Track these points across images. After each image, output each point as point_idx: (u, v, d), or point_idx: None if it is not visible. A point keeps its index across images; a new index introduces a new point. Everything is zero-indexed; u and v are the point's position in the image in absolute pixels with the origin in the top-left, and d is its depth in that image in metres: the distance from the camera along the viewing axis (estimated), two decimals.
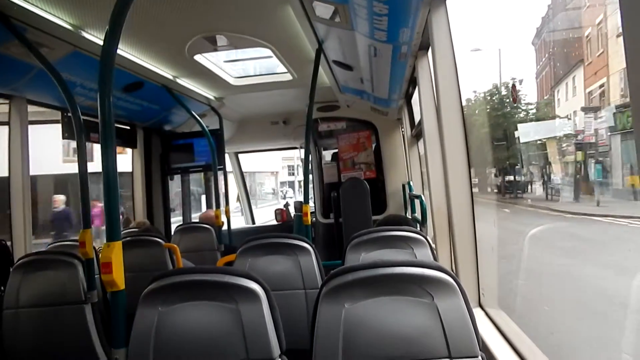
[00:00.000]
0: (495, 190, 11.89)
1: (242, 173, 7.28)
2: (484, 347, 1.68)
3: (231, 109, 5.29)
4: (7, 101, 3.36)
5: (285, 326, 1.59)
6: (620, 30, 0.89)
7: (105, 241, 1.85)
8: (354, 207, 5.08)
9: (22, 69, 3.00)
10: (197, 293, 1.52)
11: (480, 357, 1.34)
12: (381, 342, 1.36)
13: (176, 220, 6.05)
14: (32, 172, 3.46)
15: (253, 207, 7.53)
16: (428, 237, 2.50)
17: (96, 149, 3.11)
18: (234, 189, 7.36)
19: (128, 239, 3.23)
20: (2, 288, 2.72)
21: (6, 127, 3.40)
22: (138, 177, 5.19)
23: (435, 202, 2.94)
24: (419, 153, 5.02)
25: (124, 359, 1.77)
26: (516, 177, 11.61)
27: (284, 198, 25.35)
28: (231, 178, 6.11)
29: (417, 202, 4.42)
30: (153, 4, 2.64)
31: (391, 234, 2.39)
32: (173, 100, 4.34)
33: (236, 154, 7.09)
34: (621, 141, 6.88)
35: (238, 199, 7.98)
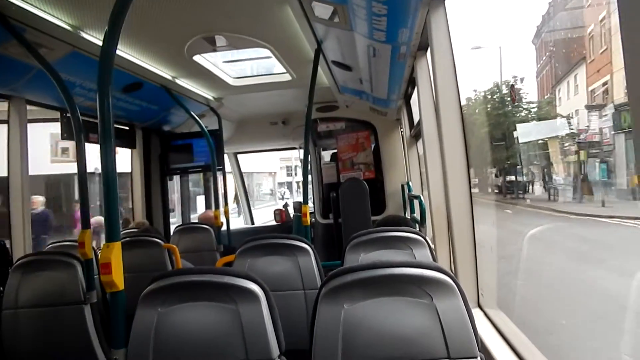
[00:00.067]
0: (496, 191, 11.81)
1: (241, 173, 7.28)
2: (483, 348, 1.68)
3: (230, 110, 5.29)
4: (6, 101, 3.36)
5: (284, 327, 1.59)
6: None
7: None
8: (353, 208, 5.08)
9: (21, 69, 3.00)
10: (197, 294, 1.52)
11: (479, 358, 1.35)
12: (380, 342, 1.36)
13: (174, 221, 6.04)
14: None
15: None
16: (427, 238, 2.50)
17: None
18: (231, 190, 7.35)
19: (127, 239, 3.23)
20: (1, 288, 2.72)
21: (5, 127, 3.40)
22: (137, 177, 5.19)
23: (435, 203, 2.94)
24: (418, 153, 5.02)
25: None
26: (517, 177, 11.51)
27: (282, 199, 25.30)
28: (229, 178, 6.09)
29: (416, 202, 4.42)
30: (152, 5, 2.63)
31: (390, 235, 2.39)
32: (172, 100, 4.34)
33: (235, 154, 7.09)
34: (625, 140, 6.82)
35: (234, 200, 7.97)
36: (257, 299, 1.51)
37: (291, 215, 6.45)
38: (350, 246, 2.41)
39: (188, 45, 3.31)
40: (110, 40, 1.83)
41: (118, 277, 1.79)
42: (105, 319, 2.64)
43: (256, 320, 1.49)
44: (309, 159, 4.15)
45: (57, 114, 3.76)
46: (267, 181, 29.52)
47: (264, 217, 8.19)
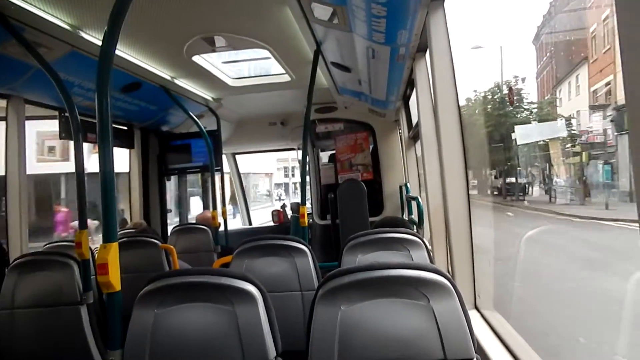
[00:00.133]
0: (496, 193, 11.72)
1: (239, 174, 7.28)
2: (480, 349, 1.68)
3: (229, 110, 5.28)
4: (5, 100, 3.35)
5: (281, 328, 1.59)
6: None
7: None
8: (351, 209, 5.08)
9: (20, 69, 2.99)
10: (193, 295, 1.52)
11: (475, 359, 1.35)
12: (377, 344, 1.36)
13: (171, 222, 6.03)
14: None
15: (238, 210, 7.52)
16: (425, 239, 2.51)
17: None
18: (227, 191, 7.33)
19: (124, 239, 3.22)
20: None
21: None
22: (135, 177, 5.18)
23: (432, 204, 2.95)
24: (416, 155, 5.03)
25: None
26: (518, 179, 11.41)
27: (279, 200, 25.25)
28: (226, 179, 6.09)
29: (414, 203, 4.42)
30: (152, 5, 2.63)
31: (388, 236, 2.39)
32: (171, 100, 4.33)
33: (233, 155, 7.08)
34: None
35: (231, 201, 7.95)
36: (254, 300, 1.51)
37: (289, 216, 6.45)
38: (347, 247, 2.41)
39: (187, 46, 3.31)
40: (110, 40, 1.83)
41: (115, 278, 1.79)
42: (102, 319, 2.64)
43: (253, 321, 1.49)
44: (307, 160, 4.15)
45: (46, 111, 3.74)
46: (264, 182, 29.47)
47: (261, 218, 8.14)
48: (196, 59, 3.64)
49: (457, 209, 2.36)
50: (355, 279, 1.39)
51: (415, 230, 3.24)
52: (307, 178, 5.42)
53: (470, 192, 2.42)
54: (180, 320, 1.51)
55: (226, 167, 6.72)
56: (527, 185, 11.28)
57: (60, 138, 3.87)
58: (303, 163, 3.81)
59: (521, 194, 11.11)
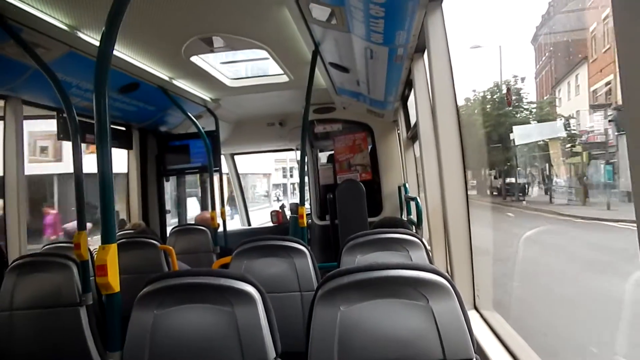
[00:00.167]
0: (495, 193, 11.67)
1: (238, 174, 7.28)
2: (479, 350, 1.69)
3: (227, 111, 5.28)
4: (2, 101, 3.34)
5: (280, 329, 1.59)
6: None
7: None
8: (349, 209, 5.08)
9: (17, 70, 2.99)
10: (193, 296, 1.52)
11: (475, 359, 1.35)
12: (376, 344, 1.36)
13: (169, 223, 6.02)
14: None
15: (236, 211, 7.51)
16: (424, 239, 2.51)
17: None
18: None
19: (123, 240, 3.22)
20: None
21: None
22: (134, 178, 5.18)
23: (431, 204, 2.95)
24: (414, 155, 5.03)
25: None
26: (518, 179, 11.33)
27: (278, 200, 25.18)
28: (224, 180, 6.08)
29: (412, 204, 4.43)
30: (150, 6, 2.63)
31: (386, 236, 2.39)
32: (169, 101, 4.33)
33: (232, 155, 7.08)
34: None
35: (228, 202, 7.94)
36: (253, 301, 1.51)
37: (288, 217, 6.45)
38: (346, 248, 2.41)
39: (185, 46, 3.31)
40: (108, 41, 1.83)
41: (114, 279, 1.79)
42: (101, 321, 2.63)
43: (252, 322, 1.49)
44: (306, 161, 4.15)
45: (40, 111, 3.73)
46: (262, 183, 29.40)
47: (259, 219, 8.11)
48: (194, 59, 3.64)
49: (455, 209, 2.37)
50: (354, 279, 1.39)
51: (414, 231, 3.25)
52: (306, 178, 5.42)
53: (469, 192, 2.43)
54: (179, 322, 1.51)
55: (225, 167, 6.71)
56: (526, 186, 11.22)
57: (59, 139, 3.86)
58: (301, 163, 3.81)
59: (521, 194, 11.04)
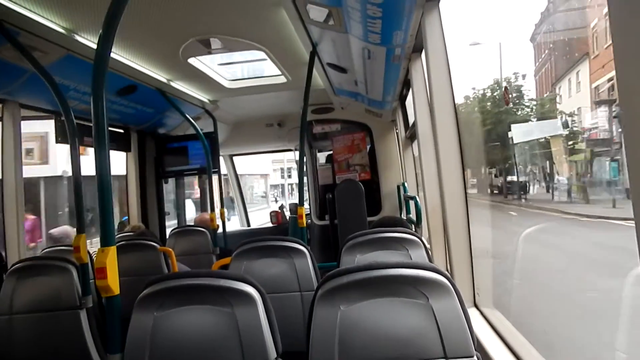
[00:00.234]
0: (496, 191, 11.60)
1: (237, 176, 7.28)
2: (479, 347, 1.69)
3: (225, 112, 5.28)
4: (0, 105, 3.34)
5: (281, 329, 1.59)
6: None
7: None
8: (349, 209, 5.09)
9: (14, 73, 2.98)
10: (193, 297, 1.52)
11: (475, 357, 1.35)
12: (377, 343, 1.36)
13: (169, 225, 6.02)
14: None
15: (235, 212, 7.50)
16: (423, 238, 2.51)
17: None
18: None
19: (122, 243, 3.22)
20: None
21: None
22: (132, 180, 5.18)
23: (430, 203, 2.95)
24: (413, 154, 5.04)
25: None
26: (519, 178, 11.23)
27: (276, 201, 25.13)
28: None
29: (411, 203, 4.43)
30: (147, 8, 2.63)
31: (386, 236, 2.40)
32: (167, 103, 4.33)
33: (231, 156, 7.08)
34: None
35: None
36: (253, 301, 1.51)
37: (287, 217, 6.45)
38: (346, 247, 2.42)
39: (183, 48, 3.31)
40: (105, 44, 1.83)
41: (113, 282, 1.79)
42: (101, 323, 2.63)
43: (253, 323, 1.50)
44: (305, 161, 4.15)
45: (25, 112, 3.71)
46: (259, 183, 29.30)
47: (257, 221, 8.10)
48: (192, 61, 3.64)
49: (454, 207, 2.37)
50: (354, 278, 1.39)
51: (413, 230, 3.25)
52: (305, 179, 5.42)
53: (470, 191, 2.43)
54: (179, 323, 1.51)
55: (223, 169, 6.71)
56: (528, 184, 11.12)
57: (57, 142, 3.86)
58: (300, 164, 3.82)
59: (522, 192, 10.93)
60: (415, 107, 3.05)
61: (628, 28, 0.86)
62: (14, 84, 3.13)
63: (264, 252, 2.50)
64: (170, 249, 3.42)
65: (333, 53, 3.40)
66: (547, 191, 10.44)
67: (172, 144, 5.44)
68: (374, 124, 5.61)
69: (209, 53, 3.53)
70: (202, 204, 6.83)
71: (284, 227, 6.33)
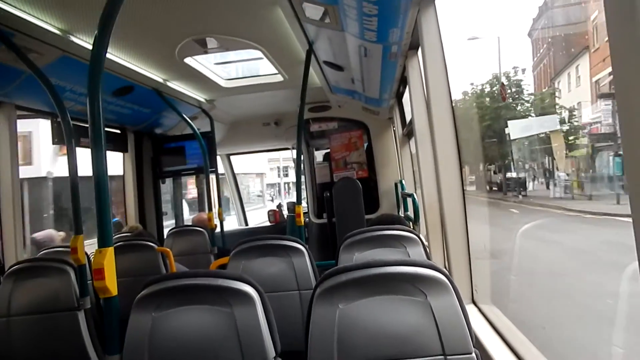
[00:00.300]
0: (495, 188, 11.52)
1: (234, 175, 7.27)
2: (478, 344, 1.69)
3: (222, 111, 5.27)
4: None
5: (279, 328, 1.59)
6: None
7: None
8: (346, 207, 5.09)
9: (10, 75, 2.97)
10: (191, 297, 1.52)
11: (474, 354, 1.36)
12: (376, 341, 1.36)
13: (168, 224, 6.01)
14: None
15: (229, 213, 7.50)
16: (421, 236, 2.52)
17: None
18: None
19: (120, 243, 3.21)
20: None
21: None
22: (129, 181, 5.16)
23: (428, 200, 2.96)
24: (410, 151, 5.04)
25: None
26: (519, 174, 11.13)
27: (272, 201, 25.03)
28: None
29: (409, 200, 4.43)
30: (142, 8, 2.62)
31: (384, 233, 2.40)
32: (164, 103, 4.32)
33: (228, 156, 7.07)
34: None
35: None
36: (251, 301, 1.51)
37: (285, 216, 6.45)
38: (344, 245, 2.42)
39: (179, 48, 3.30)
40: (100, 44, 1.82)
41: (111, 283, 1.78)
42: (100, 324, 2.63)
43: (251, 322, 1.50)
44: (302, 159, 4.15)
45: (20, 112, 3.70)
46: (255, 182, 29.11)
47: (251, 221, 8.06)
48: (188, 60, 3.63)
49: (452, 204, 2.37)
50: (352, 277, 1.40)
51: (411, 227, 3.26)
52: (302, 177, 5.42)
53: (468, 188, 2.43)
54: (178, 323, 1.51)
55: (220, 168, 6.70)
56: (527, 180, 11.02)
57: (53, 143, 3.86)
58: (298, 162, 3.81)
59: (522, 189, 10.82)
60: (412, 105, 3.05)
61: (624, 26, 0.86)
62: (10, 85, 3.11)
63: (262, 251, 2.50)
64: (168, 249, 3.42)
65: (329, 51, 3.39)
66: (547, 187, 10.36)
67: (169, 144, 5.43)
68: (371, 121, 5.61)
69: (205, 52, 3.53)
70: (200, 204, 6.83)
71: (281, 225, 6.33)
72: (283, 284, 2.48)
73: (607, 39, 0.92)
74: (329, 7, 2.54)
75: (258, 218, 7.94)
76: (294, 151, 4.14)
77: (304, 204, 4.61)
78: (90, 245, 2.66)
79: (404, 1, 2.26)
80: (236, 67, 4.62)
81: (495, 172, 11.75)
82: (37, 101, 3.49)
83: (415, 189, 4.71)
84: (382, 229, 2.42)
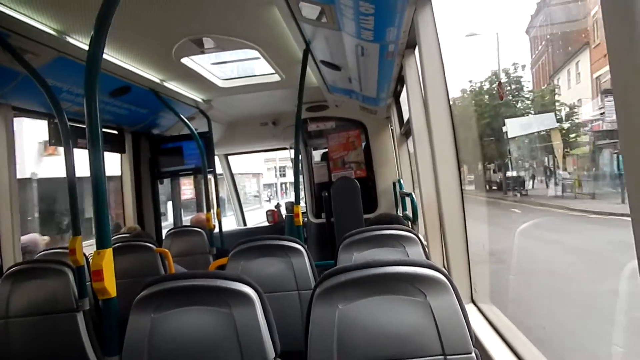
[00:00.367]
0: (495, 187, 11.44)
1: (232, 175, 7.27)
2: (477, 343, 1.70)
3: (220, 111, 5.27)
4: None
5: (279, 328, 1.59)
6: None
7: None
8: (345, 207, 5.09)
9: (6, 76, 2.96)
10: (190, 298, 1.52)
11: (473, 354, 1.36)
12: (375, 341, 1.36)
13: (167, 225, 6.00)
14: None
15: (225, 214, 7.49)
16: (420, 235, 2.52)
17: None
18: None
19: (118, 244, 3.21)
20: None
21: None
22: (127, 181, 5.15)
23: (426, 200, 2.96)
24: (408, 151, 5.04)
25: None
26: (519, 173, 11.05)
27: (269, 201, 24.96)
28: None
29: (407, 199, 4.44)
30: (138, 8, 2.62)
31: (383, 233, 2.40)
32: (161, 103, 4.31)
33: (226, 156, 7.06)
34: None
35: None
36: (251, 301, 1.51)
37: (283, 216, 6.45)
38: (343, 245, 2.42)
39: (176, 48, 3.30)
40: (97, 45, 1.82)
41: (110, 284, 1.78)
42: (99, 326, 2.62)
43: (251, 323, 1.49)
44: (300, 159, 4.15)
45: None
46: (251, 183, 28.97)
47: (248, 222, 8.05)
48: (185, 61, 3.62)
49: (450, 203, 2.38)
50: (351, 277, 1.40)
51: (409, 226, 3.26)
52: (301, 177, 5.42)
53: (467, 187, 2.43)
54: (177, 325, 1.51)
55: (218, 168, 6.70)
56: (528, 179, 10.93)
57: (50, 144, 3.85)
58: (296, 162, 3.81)
59: (522, 188, 10.71)
60: (409, 104, 3.05)
61: (621, 25, 0.86)
62: (6, 87, 3.10)
63: (260, 252, 2.50)
64: (167, 250, 3.42)
65: (326, 50, 3.39)
66: (548, 186, 10.28)
67: (167, 144, 5.42)
68: (369, 121, 5.61)
69: (202, 53, 3.52)
70: (198, 204, 6.82)
71: (280, 225, 6.33)
72: (282, 284, 2.48)
73: None
74: (326, 7, 2.53)
75: (255, 219, 7.93)
76: (292, 151, 4.14)
77: (302, 203, 4.61)
78: (88, 246, 2.66)
79: (401, 0, 2.25)
80: (233, 67, 4.61)
81: (495, 171, 11.69)
82: (34, 102, 3.47)
83: (414, 188, 4.71)
84: (380, 229, 2.42)
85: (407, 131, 4.50)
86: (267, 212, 6.70)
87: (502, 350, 1.83)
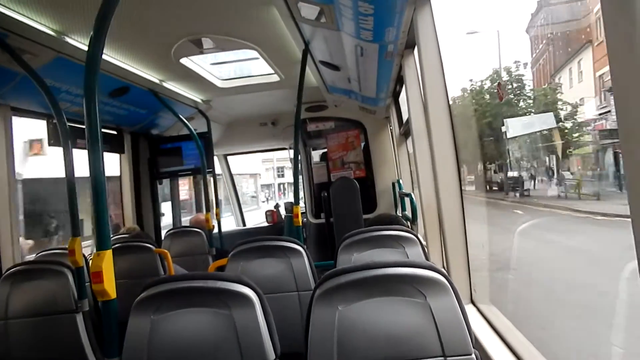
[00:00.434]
0: (495, 188, 11.35)
1: (231, 175, 7.26)
2: (477, 344, 1.69)
3: (219, 112, 5.26)
4: None
5: (279, 329, 1.59)
6: None
7: None
8: (344, 207, 5.09)
9: (5, 77, 2.95)
10: (190, 300, 1.52)
11: (473, 355, 1.36)
12: (375, 343, 1.36)
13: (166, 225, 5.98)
14: None
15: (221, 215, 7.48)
16: (419, 235, 2.51)
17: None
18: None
19: (118, 245, 3.20)
20: None
21: None
22: (126, 182, 5.15)
23: (425, 200, 2.96)
24: (407, 151, 5.04)
25: None
26: (520, 173, 10.96)
27: (267, 202, 24.86)
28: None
29: (407, 200, 4.44)
30: (137, 8, 2.61)
31: (382, 234, 2.39)
32: (160, 104, 4.31)
33: (225, 156, 7.06)
34: None
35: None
36: (250, 303, 1.50)
37: (283, 216, 6.44)
38: (342, 246, 2.41)
39: (175, 48, 3.29)
40: (96, 45, 1.81)
41: (110, 286, 1.77)
42: (98, 327, 2.62)
43: (251, 324, 1.49)
44: (299, 159, 4.15)
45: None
46: (249, 183, 28.79)
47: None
48: (184, 61, 3.62)
49: (450, 204, 2.37)
50: (351, 278, 1.39)
51: (409, 227, 3.26)
52: (300, 177, 5.41)
53: (467, 188, 2.43)
54: (177, 326, 1.51)
55: (217, 169, 6.69)
56: (530, 179, 10.83)
57: (49, 145, 3.84)
58: (295, 162, 3.81)
59: (524, 188, 10.57)
60: (408, 104, 3.05)
61: (621, 25, 0.86)
62: (4, 87, 3.10)
63: (260, 253, 2.49)
64: (166, 251, 3.41)
65: (325, 51, 3.39)
66: (550, 187, 10.19)
67: (166, 144, 5.42)
68: (368, 121, 5.61)
69: (201, 53, 3.52)
70: (197, 205, 6.81)
71: (279, 226, 6.33)
72: (282, 285, 2.47)
73: None
74: (325, 7, 2.53)
75: (253, 220, 7.92)
76: (291, 151, 4.14)
77: (301, 204, 4.61)
78: (87, 247, 2.66)
79: (400, 0, 2.25)
80: (232, 68, 4.61)
81: (495, 172, 11.62)
82: (33, 102, 3.47)
83: (413, 189, 4.71)
84: (380, 229, 2.42)
85: (406, 131, 4.50)
86: (266, 212, 6.70)
87: (502, 350, 1.83)
